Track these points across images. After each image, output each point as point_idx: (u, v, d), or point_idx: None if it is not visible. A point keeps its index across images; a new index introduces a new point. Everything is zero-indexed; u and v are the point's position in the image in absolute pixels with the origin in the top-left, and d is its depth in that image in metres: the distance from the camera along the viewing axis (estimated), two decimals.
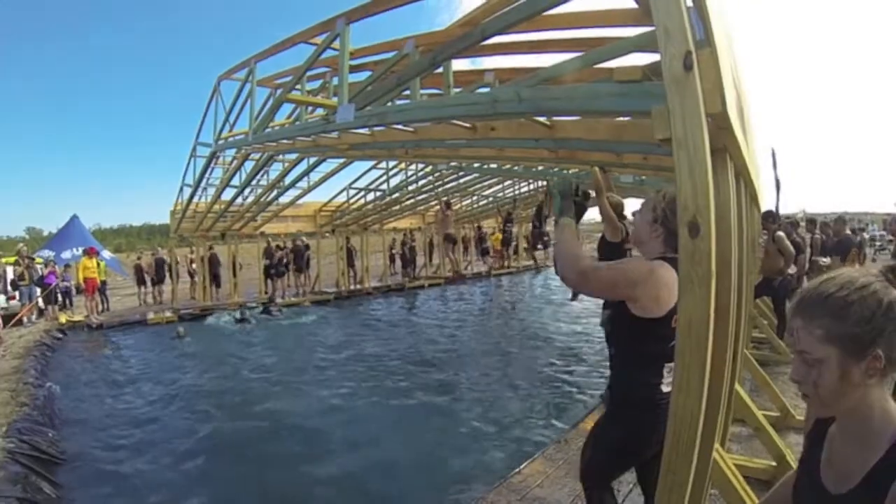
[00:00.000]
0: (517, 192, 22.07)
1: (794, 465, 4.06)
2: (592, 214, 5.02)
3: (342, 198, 20.72)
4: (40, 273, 17.57)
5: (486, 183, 19.80)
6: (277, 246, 21.68)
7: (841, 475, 1.23)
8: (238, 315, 17.84)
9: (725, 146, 2.57)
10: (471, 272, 27.04)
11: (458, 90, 5.77)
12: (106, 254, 22.91)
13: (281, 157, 12.99)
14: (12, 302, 17.10)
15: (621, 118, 4.34)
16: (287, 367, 11.30)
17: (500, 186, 21.72)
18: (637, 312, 2.45)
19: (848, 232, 10.55)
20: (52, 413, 8.70)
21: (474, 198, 24.19)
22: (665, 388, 2.50)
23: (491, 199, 23.74)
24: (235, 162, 13.89)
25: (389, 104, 5.59)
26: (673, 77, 1.98)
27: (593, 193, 5.12)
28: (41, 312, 17.44)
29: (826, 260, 10.04)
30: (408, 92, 5.71)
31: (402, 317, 18.06)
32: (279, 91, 8.23)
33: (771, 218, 8.42)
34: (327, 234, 23.34)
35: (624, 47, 3.61)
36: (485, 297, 22.41)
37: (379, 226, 24.92)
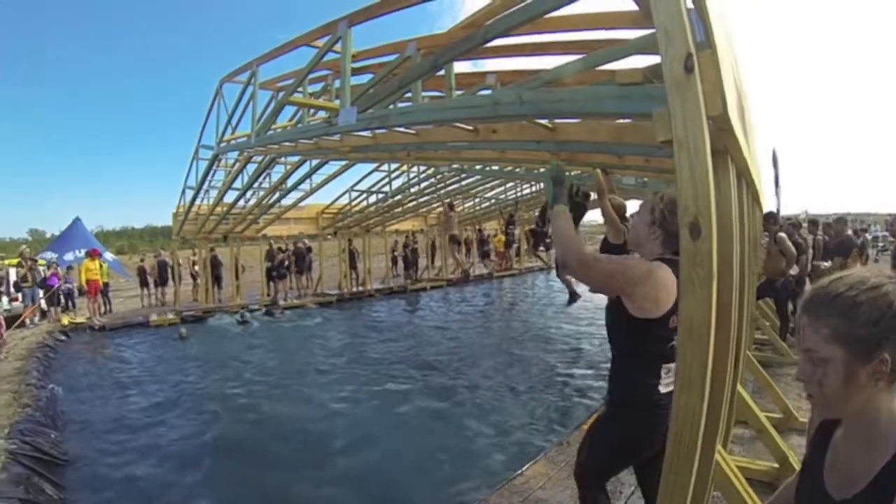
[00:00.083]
0: (519, 194, 22.07)
1: (797, 467, 4.05)
2: (595, 216, 5.02)
3: (344, 200, 20.69)
4: (43, 275, 17.57)
5: (488, 185, 19.80)
6: (279, 248, 21.69)
7: (846, 480, 1.20)
8: (239, 318, 17.87)
9: (726, 147, 2.58)
10: (473, 274, 27.02)
11: (459, 92, 5.77)
12: (108, 256, 22.99)
13: (283, 159, 12.99)
14: (15, 303, 17.12)
15: (622, 120, 4.34)
16: (289, 370, 11.30)
17: (501, 188, 21.69)
18: (634, 313, 2.46)
19: (849, 233, 10.52)
20: (54, 414, 8.71)
21: (476, 200, 24.16)
22: (663, 389, 2.51)
23: (493, 201, 23.73)
24: (238, 164, 13.87)
25: (391, 107, 5.60)
26: (674, 79, 1.98)
27: (595, 195, 5.13)
28: (44, 314, 17.44)
29: (826, 264, 10.01)
30: (410, 94, 5.72)
31: (404, 319, 18.04)
32: (281, 94, 8.23)
33: (772, 219, 8.41)
34: (329, 237, 23.33)
35: (625, 50, 3.62)
36: (487, 298, 22.39)
37: (381, 228, 24.90)
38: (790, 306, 8.96)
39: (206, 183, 15.54)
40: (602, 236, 5.02)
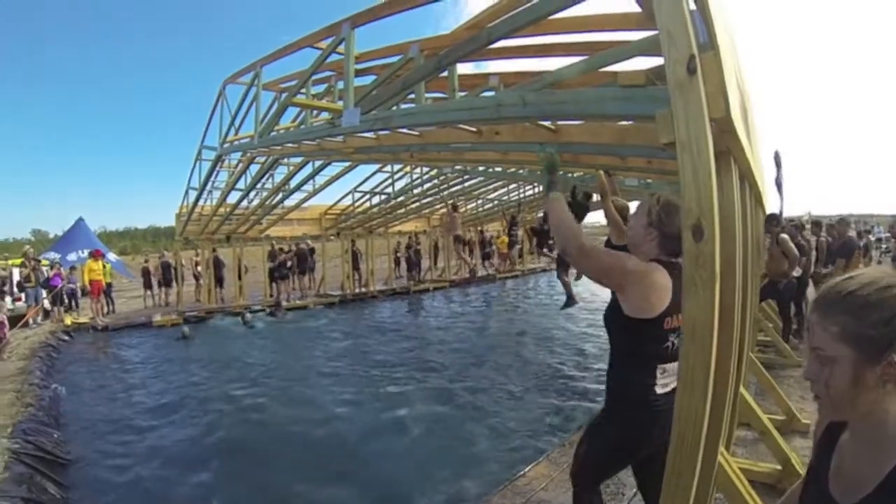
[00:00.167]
0: (522, 195, 22.07)
1: (800, 469, 4.05)
2: (598, 217, 5.03)
3: (347, 201, 20.74)
4: (46, 275, 17.62)
5: (490, 186, 19.84)
6: (280, 249, 21.73)
7: (852, 484, 1.18)
8: (242, 320, 17.91)
9: (729, 149, 2.58)
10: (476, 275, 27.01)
11: (462, 94, 5.78)
12: (111, 256, 23.05)
13: (286, 160, 13.01)
14: (18, 303, 17.15)
15: (625, 122, 4.34)
16: (292, 371, 11.31)
17: (504, 190, 21.69)
18: (629, 312, 2.48)
19: (851, 234, 10.48)
20: (57, 414, 8.77)
21: (479, 201, 24.15)
22: (659, 390, 2.54)
23: (496, 202, 23.72)
24: (241, 165, 13.90)
25: (394, 108, 5.60)
26: (676, 81, 1.98)
27: (597, 197, 5.13)
28: (47, 314, 17.48)
29: (825, 270, 9.98)
30: (413, 96, 5.72)
31: (407, 320, 18.05)
32: (284, 95, 8.23)
33: (774, 220, 8.39)
34: (332, 237, 23.33)
35: (628, 51, 3.62)
36: (491, 299, 22.36)
37: (384, 229, 24.92)
38: (793, 308, 8.96)
39: (210, 184, 15.56)
40: (605, 237, 5.02)
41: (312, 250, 23.08)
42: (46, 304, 17.31)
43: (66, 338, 15.57)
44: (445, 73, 5.29)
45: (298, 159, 12.33)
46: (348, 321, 17.94)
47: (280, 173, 14.79)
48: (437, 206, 22.08)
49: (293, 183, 14.84)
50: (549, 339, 13.44)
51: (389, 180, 17.79)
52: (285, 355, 13.06)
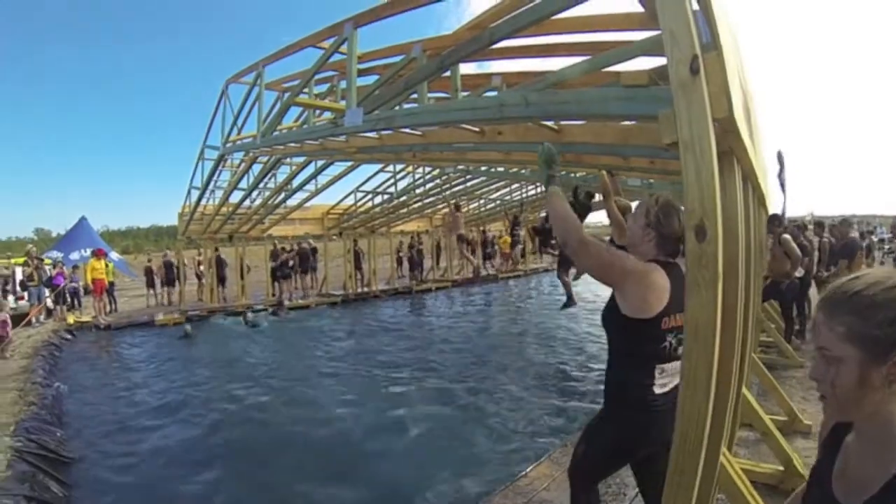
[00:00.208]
0: (524, 195, 22.06)
1: (801, 470, 4.05)
2: (600, 217, 5.03)
3: (350, 201, 20.75)
4: (49, 274, 17.66)
5: (493, 186, 19.82)
6: (282, 248, 21.76)
7: (856, 485, 1.16)
8: (242, 319, 17.94)
9: (732, 149, 2.58)
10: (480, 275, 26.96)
11: (465, 94, 5.78)
12: (114, 255, 23.08)
13: (289, 160, 13.00)
14: (21, 302, 17.18)
15: (628, 122, 4.34)
16: (294, 371, 11.29)
17: (507, 190, 21.68)
18: (626, 312, 2.49)
19: (853, 235, 10.45)
20: (59, 413, 8.77)
21: (481, 201, 24.14)
22: (657, 390, 2.55)
23: (498, 202, 23.71)
24: (243, 165, 13.92)
25: (397, 108, 5.60)
26: (679, 81, 1.98)
27: (600, 197, 5.13)
28: (50, 313, 17.51)
29: (825, 273, 9.96)
30: (415, 96, 5.72)
31: (409, 320, 18.03)
32: (287, 95, 8.24)
33: (776, 221, 8.38)
34: (335, 237, 23.33)
35: (630, 51, 3.62)
36: (493, 299, 22.33)
37: (386, 229, 24.90)
38: (795, 309, 8.95)
39: (212, 183, 15.58)
40: (608, 237, 5.03)
41: (315, 250, 23.09)
42: (49, 302, 17.35)
43: (69, 336, 15.62)
44: (448, 73, 5.29)
45: (301, 159, 12.33)
46: (350, 321, 17.93)
47: (282, 173, 14.79)
48: (440, 206, 22.09)
49: (295, 182, 14.84)
50: (551, 339, 13.41)
51: (392, 180, 17.79)
52: (287, 354, 13.05)
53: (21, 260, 18.76)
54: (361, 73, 6.49)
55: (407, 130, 6.59)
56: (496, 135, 5.54)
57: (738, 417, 4.03)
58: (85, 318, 17.41)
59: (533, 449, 6.59)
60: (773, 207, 9.12)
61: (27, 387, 9.41)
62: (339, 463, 6.69)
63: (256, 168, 13.35)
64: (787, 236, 8.19)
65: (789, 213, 11.10)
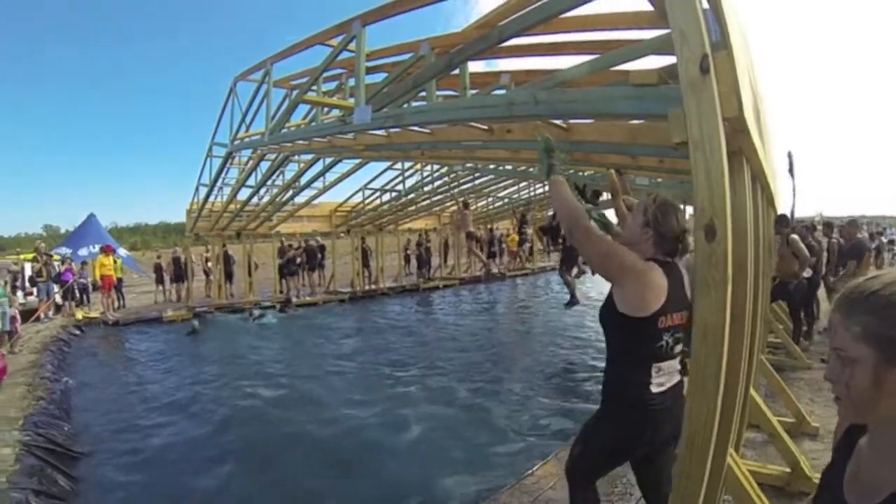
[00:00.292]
0: (532, 193, 22.01)
1: (809, 472, 4.03)
2: (608, 216, 5.02)
3: (358, 198, 20.78)
4: (57, 270, 17.72)
5: (501, 184, 19.78)
6: (289, 245, 21.78)
7: (869, 488, 1.13)
8: (249, 315, 18.06)
9: (741, 149, 2.57)
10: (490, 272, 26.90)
11: (474, 92, 5.77)
12: (122, 252, 23.12)
13: (297, 157, 13.02)
14: (30, 298, 17.28)
15: (636, 121, 4.33)
16: (300, 368, 11.30)
17: (515, 188, 21.63)
18: (622, 308, 2.50)
19: (861, 235, 10.37)
20: (68, 407, 8.83)
21: (489, 199, 24.12)
22: (654, 389, 2.54)
23: (506, 200, 23.69)
24: (251, 162, 13.93)
25: (405, 106, 5.60)
26: (689, 80, 1.98)
27: (607, 195, 5.11)
28: (58, 308, 17.57)
29: (839, 274, 9.89)
30: (424, 93, 5.71)
31: (416, 318, 17.99)
32: (295, 92, 8.24)
33: (784, 221, 8.34)
34: (342, 235, 23.36)
35: (640, 50, 3.60)
36: (501, 298, 22.25)
37: (394, 226, 24.93)
38: (803, 310, 8.91)
39: (220, 180, 15.63)
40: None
41: (322, 247, 23.11)
42: (58, 298, 17.41)
43: (78, 332, 15.67)
44: (456, 71, 5.28)
45: (309, 156, 12.35)
46: (358, 318, 17.94)
47: (290, 170, 14.85)
48: (448, 204, 22.07)
49: (303, 180, 14.89)
50: (558, 338, 13.36)
51: (400, 178, 17.73)
52: (294, 351, 13.09)
53: (30, 256, 18.86)
54: (369, 70, 6.50)
55: (415, 128, 6.59)
56: (505, 133, 5.53)
57: (745, 418, 4.02)
58: (93, 314, 17.47)
59: (539, 449, 6.55)
60: (782, 208, 9.08)
61: (36, 381, 9.46)
62: (347, 462, 6.68)
63: (264, 165, 13.36)
64: (795, 236, 8.15)
65: (798, 214, 11.02)
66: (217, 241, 20.51)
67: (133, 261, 26.45)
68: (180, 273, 20.83)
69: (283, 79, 9.18)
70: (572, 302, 9.62)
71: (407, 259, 27.32)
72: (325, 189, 16.90)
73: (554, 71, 4.80)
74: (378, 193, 19.83)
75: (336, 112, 7.79)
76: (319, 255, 22.63)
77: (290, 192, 16.35)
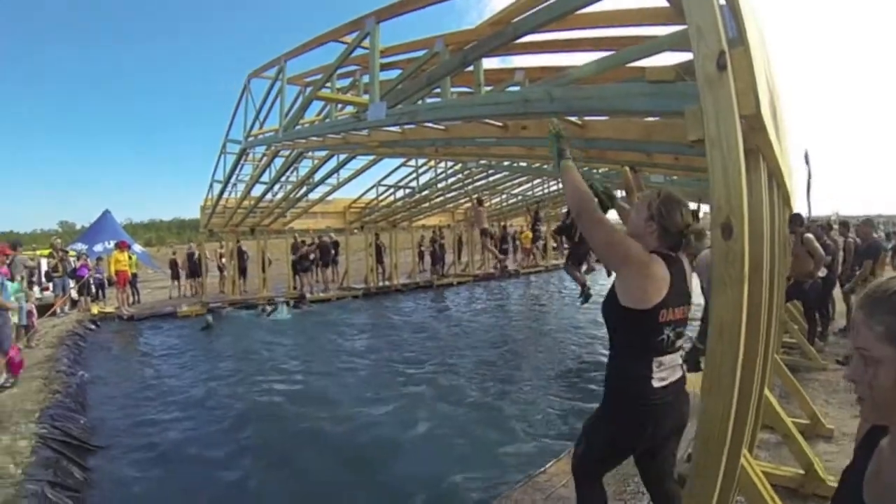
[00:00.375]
0: (546, 190, 21.97)
1: (823, 474, 4.00)
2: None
3: (371, 195, 20.81)
4: (73, 265, 17.86)
5: (515, 181, 19.75)
6: (302, 241, 21.86)
7: (889, 489, 1.11)
8: (261, 310, 18.23)
9: (758, 147, 2.55)
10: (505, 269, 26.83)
11: (488, 88, 5.76)
12: (137, 247, 23.24)
13: (310, 153, 13.06)
14: (46, 293, 17.43)
15: (651, 118, 4.31)
16: (313, 365, 11.35)
17: (528, 185, 21.65)
18: (625, 302, 2.50)
19: (878, 235, 10.28)
20: (83, 401, 8.93)
21: (503, 196, 24.10)
22: (656, 384, 2.53)
23: (520, 197, 23.65)
24: (265, 159, 13.97)
25: (420, 102, 5.59)
26: (706, 77, 1.96)
27: (621, 193, 5.09)
28: (74, 303, 17.71)
29: (854, 275, 9.77)
30: (438, 90, 5.70)
31: (430, 315, 17.99)
32: (309, 89, 8.26)
33: (798, 221, 8.27)
34: (356, 231, 23.40)
35: (656, 47, 3.58)
36: (514, 295, 22.23)
37: (408, 223, 24.92)
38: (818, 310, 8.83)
39: (234, 177, 15.68)
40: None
41: (336, 243, 23.18)
42: (74, 293, 17.55)
43: (93, 326, 15.85)
44: (471, 68, 5.27)
45: (323, 153, 12.38)
46: (371, 314, 18.00)
47: (304, 167, 14.89)
48: (462, 201, 22.08)
49: (317, 176, 14.93)
50: (571, 336, 13.34)
51: (414, 174, 17.79)
52: (307, 347, 13.14)
53: (46, 252, 18.98)
54: (383, 67, 6.50)
55: (430, 125, 6.58)
56: (520, 129, 5.52)
57: (759, 419, 4.00)
58: (108, 309, 17.61)
59: (551, 449, 6.51)
60: (797, 206, 9.01)
61: (52, 375, 9.54)
62: (361, 459, 6.68)
63: (278, 162, 13.39)
64: (809, 235, 8.08)
65: (813, 213, 10.96)
66: (231, 237, 20.59)
67: (148, 257, 26.58)
68: (195, 269, 20.95)
69: (297, 76, 9.20)
70: (585, 295, 9.57)
71: (421, 256, 27.28)
72: (339, 185, 16.95)
73: (568, 67, 4.79)
74: (392, 190, 19.85)
75: (350, 109, 7.79)
76: (333, 252, 22.71)
77: (304, 189, 16.39)
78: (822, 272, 8.43)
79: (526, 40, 4.67)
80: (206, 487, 6.15)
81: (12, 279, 10.55)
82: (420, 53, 6.05)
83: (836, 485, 1.34)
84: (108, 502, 5.98)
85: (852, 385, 1.18)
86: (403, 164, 17.24)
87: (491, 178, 17.76)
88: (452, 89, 6.01)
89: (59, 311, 16.00)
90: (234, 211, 18.31)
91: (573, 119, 4.84)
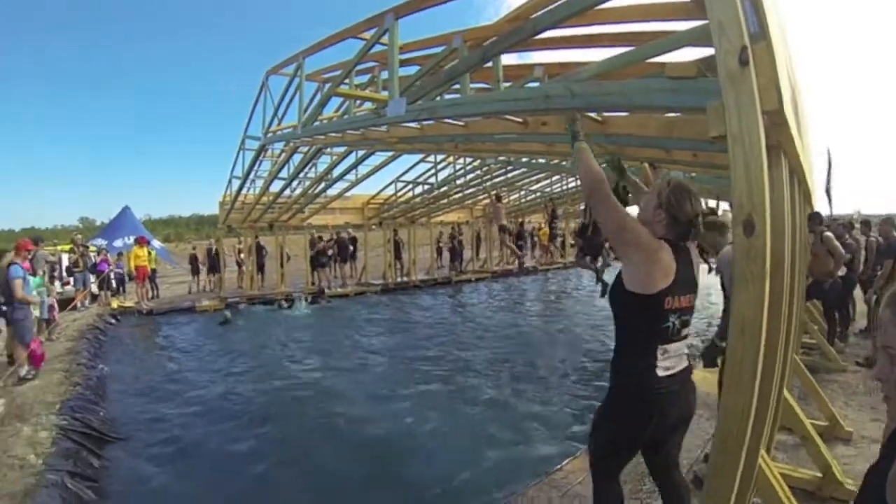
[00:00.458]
0: (564, 187, 21.90)
1: (840, 477, 3.96)
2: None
3: (390, 191, 20.88)
4: (93, 260, 18.02)
5: (533, 178, 19.67)
6: (320, 237, 21.97)
7: None
8: (278, 305, 18.42)
9: (780, 143, 2.53)
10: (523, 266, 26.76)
11: (506, 85, 5.74)
12: (156, 243, 23.46)
13: (329, 150, 13.08)
14: (67, 287, 17.60)
15: (671, 114, 4.29)
16: (333, 361, 11.38)
17: (547, 181, 21.57)
18: (631, 287, 2.52)
19: None
20: (103, 393, 9.05)
21: (522, 192, 24.04)
22: (661, 373, 2.54)
23: (538, 193, 23.59)
24: (284, 155, 14.00)
25: (438, 98, 5.59)
26: (728, 73, 1.95)
27: (647, 188, 5.07)
28: (94, 298, 17.88)
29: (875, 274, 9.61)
30: (457, 86, 5.70)
31: (448, 311, 18.02)
32: (327, 85, 8.27)
33: (817, 219, 8.17)
34: (374, 227, 23.45)
35: (676, 42, 3.54)
36: (532, 292, 22.18)
37: (426, 219, 24.97)
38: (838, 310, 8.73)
39: (253, 173, 15.73)
40: None
41: (354, 239, 23.29)
42: (94, 288, 17.70)
43: (113, 321, 15.99)
44: (489, 64, 5.26)
45: (341, 149, 12.39)
46: (389, 310, 18.05)
47: (323, 163, 14.91)
48: (480, 197, 22.07)
49: (336, 172, 14.93)
50: (588, 334, 13.31)
51: (432, 170, 17.81)
52: (325, 343, 13.18)
53: (67, 247, 19.19)
54: (401, 63, 6.49)
55: (449, 121, 6.58)
56: (540, 125, 5.51)
57: (778, 419, 3.97)
58: (128, 304, 17.78)
59: (565, 448, 6.48)
60: (818, 203, 8.91)
61: (72, 368, 9.66)
62: (375, 456, 6.67)
63: (297, 158, 13.43)
64: (829, 234, 7.99)
65: (835, 211, 10.83)
66: (249, 232, 20.70)
67: (167, 252, 26.81)
68: (214, 264, 21.13)
69: (315, 72, 9.22)
70: (602, 283, 9.49)
71: (439, 252, 27.31)
72: (358, 181, 16.96)
73: (586, 63, 4.77)
74: (410, 186, 19.90)
75: (368, 105, 7.80)
76: (351, 248, 22.80)
77: (323, 185, 16.41)
78: (842, 271, 8.33)
79: (545, 36, 4.65)
80: (225, 481, 6.19)
81: (34, 274, 10.70)
82: (438, 50, 6.04)
83: (854, 488, 1.32)
84: (126, 493, 6.03)
85: (877, 386, 1.16)
86: (422, 161, 17.29)
87: (509, 175, 17.72)
88: (471, 85, 6.00)
89: (79, 305, 16.16)
90: (253, 207, 18.39)
91: (593, 115, 4.82)
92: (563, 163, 11.13)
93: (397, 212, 22.59)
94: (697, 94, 2.41)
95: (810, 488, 4.17)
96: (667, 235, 2.58)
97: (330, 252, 21.56)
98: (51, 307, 12.27)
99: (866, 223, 11.37)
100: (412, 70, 6.62)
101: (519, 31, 4.06)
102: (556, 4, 3.79)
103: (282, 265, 20.93)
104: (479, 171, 17.01)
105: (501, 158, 13.27)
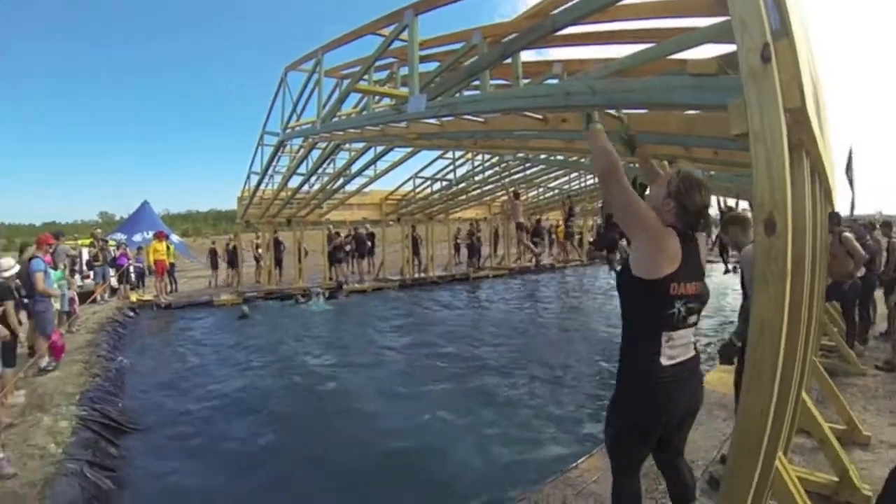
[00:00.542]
0: (582, 184, 21.81)
1: (858, 482, 3.92)
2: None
3: (408, 187, 20.95)
4: (113, 255, 18.20)
5: (551, 175, 19.61)
6: (337, 233, 22.09)
7: None
8: (296, 301, 18.56)
9: (802, 141, 2.51)
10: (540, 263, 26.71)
11: (526, 81, 5.73)
12: (174, 238, 23.67)
13: (348, 145, 13.11)
14: (87, 281, 17.77)
15: (691, 111, 4.26)
16: (350, 357, 11.43)
17: (566, 179, 21.49)
18: (637, 272, 2.54)
19: None
20: (122, 384, 9.22)
21: (540, 189, 23.97)
22: (665, 361, 2.55)
23: (556, 191, 23.51)
24: (302, 150, 14.06)
25: (458, 95, 5.58)
26: (750, 70, 1.93)
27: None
28: (114, 291, 18.07)
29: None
30: (477, 83, 5.69)
31: (465, 307, 18.03)
32: (346, 81, 8.28)
33: (835, 219, 8.06)
34: (392, 223, 23.51)
35: (697, 38, 3.51)
36: (550, 289, 22.10)
37: (444, 215, 25.00)
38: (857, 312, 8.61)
39: (271, 168, 15.79)
40: None
41: (371, 235, 23.41)
42: (113, 282, 17.87)
43: (132, 314, 16.27)
44: (508, 61, 5.25)
45: (360, 145, 12.41)
46: (406, 306, 18.06)
47: (341, 158, 14.95)
48: (499, 194, 22.06)
49: (354, 168, 14.98)
50: (604, 332, 13.21)
51: (451, 167, 17.83)
52: (342, 339, 13.23)
53: (87, 241, 19.37)
54: (420, 60, 6.49)
55: (469, 117, 6.58)
56: (560, 122, 5.50)
57: (795, 422, 3.93)
58: (147, 297, 18.04)
59: (578, 449, 6.44)
60: (839, 203, 8.81)
61: (92, 360, 9.80)
62: (391, 454, 6.67)
63: (315, 154, 13.48)
64: (848, 234, 7.88)
65: (857, 212, 10.71)
66: (267, 227, 20.81)
67: (185, 247, 27.07)
68: (234, 259, 21.26)
69: (334, 68, 9.22)
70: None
71: (457, 248, 27.30)
72: (376, 177, 17.04)
73: (606, 59, 4.74)
74: (429, 182, 19.93)
75: (386, 101, 7.80)
76: (369, 243, 22.90)
77: (341, 181, 16.45)
78: (861, 272, 8.23)
79: (565, 32, 4.63)
80: (241, 475, 6.22)
81: (55, 267, 10.81)
82: (457, 46, 6.03)
83: (871, 494, 1.31)
84: (144, 483, 6.10)
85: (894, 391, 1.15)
86: (440, 157, 17.30)
87: (528, 172, 17.68)
88: (490, 82, 6.00)
89: (99, 298, 16.34)
90: (271, 202, 18.50)
91: (612, 112, 4.80)
92: (582, 160, 11.09)
93: (415, 208, 22.61)
94: (719, 91, 2.39)
95: (827, 492, 4.13)
96: (675, 224, 2.60)
97: (347, 248, 21.64)
98: (71, 300, 12.40)
99: (887, 224, 11.23)
100: (431, 66, 6.63)
101: (538, 28, 4.05)
102: (576, 1, 3.78)
103: (299, 260, 21.07)
104: (497, 168, 16.95)
105: (520, 155, 13.22)
